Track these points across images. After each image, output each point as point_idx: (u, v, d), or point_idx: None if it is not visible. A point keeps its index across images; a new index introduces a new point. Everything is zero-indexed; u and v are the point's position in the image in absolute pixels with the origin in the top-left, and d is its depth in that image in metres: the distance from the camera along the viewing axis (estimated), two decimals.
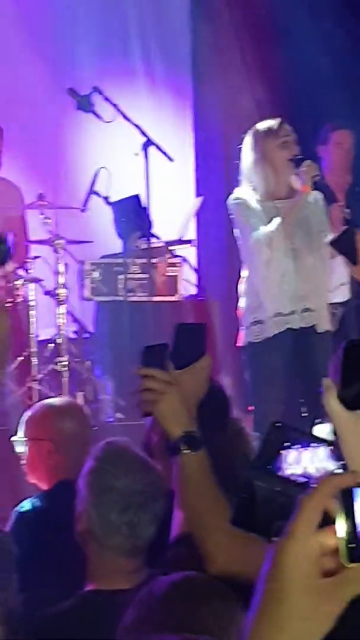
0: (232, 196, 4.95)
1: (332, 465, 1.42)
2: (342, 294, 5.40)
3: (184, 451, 2.05)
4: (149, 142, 5.38)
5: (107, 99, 5.41)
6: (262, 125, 4.89)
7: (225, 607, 1.62)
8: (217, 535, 2.10)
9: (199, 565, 2.00)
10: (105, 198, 5.63)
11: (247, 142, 4.85)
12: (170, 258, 6.22)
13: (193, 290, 6.61)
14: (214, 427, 2.65)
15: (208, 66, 7.44)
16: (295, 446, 1.62)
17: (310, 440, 1.72)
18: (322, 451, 1.66)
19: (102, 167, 5.75)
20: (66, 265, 5.82)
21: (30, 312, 5.81)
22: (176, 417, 2.27)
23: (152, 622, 1.70)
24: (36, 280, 5.88)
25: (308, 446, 1.62)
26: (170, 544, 2.22)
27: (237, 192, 4.90)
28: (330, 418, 1.33)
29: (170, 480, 2.28)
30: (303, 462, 1.64)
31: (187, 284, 6.47)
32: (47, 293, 5.93)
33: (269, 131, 4.81)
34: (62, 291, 5.77)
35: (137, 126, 5.37)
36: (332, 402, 1.30)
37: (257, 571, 1.68)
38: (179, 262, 6.32)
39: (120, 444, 2.40)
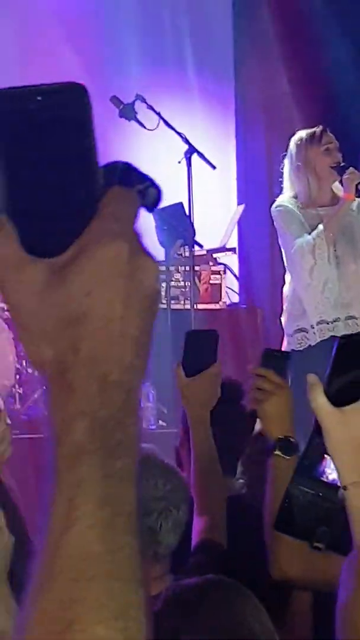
0: (274, 204, 4.85)
1: None
2: None
3: (277, 453, 2.04)
4: (191, 150, 5.35)
5: (150, 107, 5.42)
6: (305, 132, 4.79)
7: (249, 609, 1.60)
8: (291, 540, 2.03)
9: (219, 573, 1.94)
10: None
11: (290, 149, 4.75)
12: (213, 266, 6.23)
13: (236, 298, 6.70)
14: (241, 434, 2.74)
15: (250, 74, 7.43)
16: None
17: None
18: None
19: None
20: None
21: None
22: (278, 420, 2.25)
23: (177, 624, 1.66)
24: None
25: None
26: (191, 552, 2.23)
27: (280, 200, 4.81)
28: (315, 414, 1.32)
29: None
30: None
31: (230, 292, 6.49)
32: None
33: (312, 138, 4.71)
34: None
35: (180, 134, 5.36)
36: (318, 397, 1.29)
37: (324, 579, 1.76)
38: (222, 270, 6.29)
39: (144, 450, 2.33)
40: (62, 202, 0.70)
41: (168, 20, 7.47)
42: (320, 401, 1.29)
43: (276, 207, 4.77)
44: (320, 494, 1.69)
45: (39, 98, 0.68)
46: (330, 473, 1.72)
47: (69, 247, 0.68)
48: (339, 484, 1.69)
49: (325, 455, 1.73)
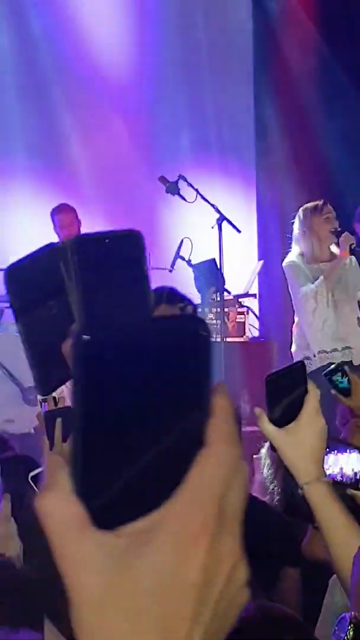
0: (285, 260, 5.02)
1: None
2: None
3: None
4: (222, 218, 5.39)
5: (190, 185, 5.46)
6: (310, 205, 4.99)
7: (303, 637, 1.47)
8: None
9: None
10: (188, 261, 5.67)
11: (298, 217, 4.97)
12: (238, 308, 6.23)
13: (256, 333, 6.63)
14: None
15: (269, 159, 7.42)
16: (334, 451, 1.81)
17: (346, 446, 1.87)
18: (355, 455, 1.85)
19: (186, 237, 5.73)
20: None
21: None
22: None
23: None
24: None
25: (344, 451, 1.83)
26: None
27: (289, 257, 5.01)
28: (267, 438, 1.31)
29: None
30: (339, 464, 1.83)
31: (252, 328, 6.50)
32: None
33: (315, 209, 4.91)
34: None
35: (213, 205, 5.43)
36: (265, 424, 1.28)
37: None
38: (245, 311, 6.30)
39: None
40: (124, 318, 0.70)
41: (204, 118, 7.68)
42: (267, 427, 1.29)
43: (287, 263, 4.99)
44: None
45: (107, 241, 0.72)
46: (327, 469, 1.75)
47: None
48: (338, 479, 1.93)
49: (328, 456, 1.82)
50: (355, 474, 1.94)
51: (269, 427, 1.29)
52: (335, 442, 2.05)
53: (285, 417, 1.30)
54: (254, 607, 1.48)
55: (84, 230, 6.10)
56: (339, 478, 1.94)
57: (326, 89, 7.14)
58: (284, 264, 5.09)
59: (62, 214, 5.97)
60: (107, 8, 7.37)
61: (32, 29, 7.09)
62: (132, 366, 0.40)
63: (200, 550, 0.40)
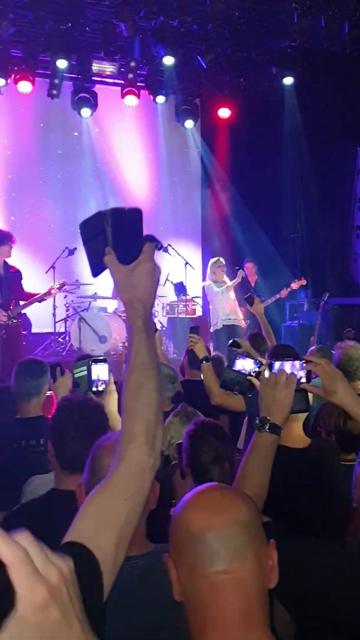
0: (205, 283, 7.49)
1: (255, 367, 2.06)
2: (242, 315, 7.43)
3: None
4: (186, 263, 8.55)
5: (173, 248, 8.35)
6: (214, 259, 7.41)
7: None
8: (223, 391, 2.60)
9: None
10: (171, 281, 8.50)
11: (209, 266, 7.42)
12: (193, 302, 8.74)
13: (200, 313, 8.99)
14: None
15: (206, 235, 10.23)
16: (241, 357, 2.18)
17: (247, 356, 2.21)
18: (251, 360, 2.21)
19: (170, 271, 8.55)
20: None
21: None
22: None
23: None
24: None
25: (245, 358, 2.16)
26: None
27: (207, 282, 7.44)
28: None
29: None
30: (243, 364, 2.16)
31: (199, 311, 8.96)
32: None
33: (215, 262, 7.38)
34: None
35: (183, 258, 8.46)
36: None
37: (231, 406, 2.97)
38: (196, 303, 8.87)
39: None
40: (132, 248, 1.05)
41: (179, 210, 10.01)
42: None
43: (207, 284, 7.40)
44: (236, 374, 2.17)
45: (126, 210, 1.06)
46: (240, 367, 2.14)
47: (133, 262, 1.11)
48: (242, 371, 2.13)
49: (236, 361, 2.16)
50: (251, 370, 2.15)
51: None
52: (243, 353, 2.25)
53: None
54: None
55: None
56: (243, 371, 2.16)
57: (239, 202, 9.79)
58: (205, 284, 7.50)
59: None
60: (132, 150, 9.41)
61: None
62: None
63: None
